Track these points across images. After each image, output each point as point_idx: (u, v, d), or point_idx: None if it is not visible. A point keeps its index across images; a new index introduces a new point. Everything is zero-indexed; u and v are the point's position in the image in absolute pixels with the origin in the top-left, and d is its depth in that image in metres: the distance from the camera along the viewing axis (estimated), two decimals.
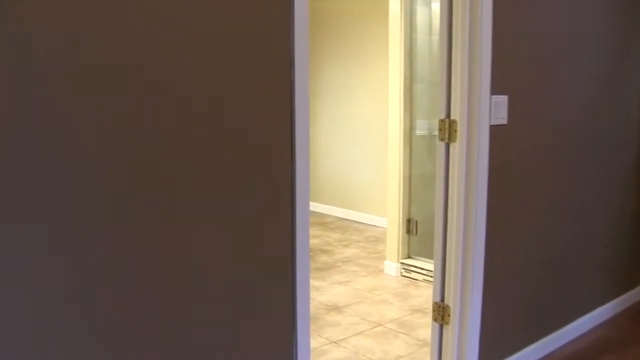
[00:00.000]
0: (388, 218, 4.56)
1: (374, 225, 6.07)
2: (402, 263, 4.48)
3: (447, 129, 2.49)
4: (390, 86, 4.48)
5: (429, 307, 3.79)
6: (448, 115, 2.48)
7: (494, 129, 2.51)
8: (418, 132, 4.54)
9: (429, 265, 4.31)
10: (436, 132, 2.62)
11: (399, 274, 4.49)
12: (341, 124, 6.43)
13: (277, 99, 1.82)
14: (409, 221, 4.48)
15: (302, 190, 1.93)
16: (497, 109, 2.51)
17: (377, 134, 5.87)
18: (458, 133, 2.45)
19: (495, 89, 2.48)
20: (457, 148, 2.47)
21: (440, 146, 2.55)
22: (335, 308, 3.79)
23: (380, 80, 5.88)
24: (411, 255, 4.52)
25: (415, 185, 4.48)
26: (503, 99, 2.53)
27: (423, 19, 4.49)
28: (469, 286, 2.52)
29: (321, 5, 6.44)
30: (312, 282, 4.39)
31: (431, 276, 4.20)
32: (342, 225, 6.13)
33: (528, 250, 2.87)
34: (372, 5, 5.86)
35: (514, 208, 2.74)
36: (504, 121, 2.55)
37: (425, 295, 4.04)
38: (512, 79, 2.59)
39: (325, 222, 6.27)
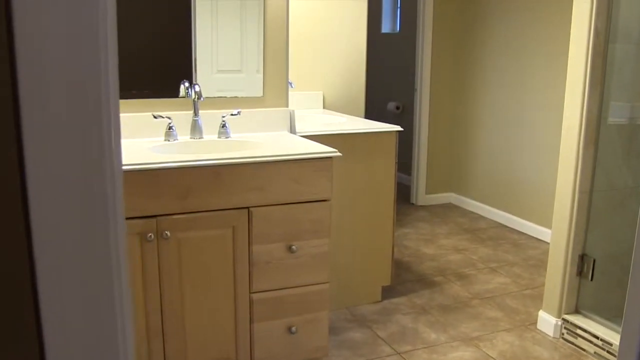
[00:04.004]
0: (551, 249, 3.01)
1: (538, 240, 4.46)
2: (565, 320, 2.93)
3: None
4: (572, 48, 2.89)
5: None
6: None
7: None
8: (611, 120, 2.91)
9: (607, 332, 2.73)
10: None
11: (558, 335, 2.96)
12: (506, 106, 4.83)
13: None
14: (582, 258, 2.91)
15: None
16: None
17: (553, 121, 4.21)
18: None
19: None
20: None
21: None
22: None
23: (562, 44, 4.19)
24: (581, 310, 2.95)
25: (598, 205, 2.89)
26: None
27: None
28: None
29: None
30: (426, 333, 3.01)
31: (609, 351, 2.63)
32: (497, 234, 4.60)
33: None
34: None
35: None
36: None
37: None
38: None
39: (476, 227, 4.76)
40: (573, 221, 2.87)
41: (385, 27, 6.42)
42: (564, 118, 2.91)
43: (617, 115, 2.93)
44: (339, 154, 2.35)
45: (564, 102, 2.94)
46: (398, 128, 3.10)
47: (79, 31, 0.68)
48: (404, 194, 5.45)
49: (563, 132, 2.91)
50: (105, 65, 0.71)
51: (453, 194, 5.47)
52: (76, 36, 0.68)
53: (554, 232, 2.97)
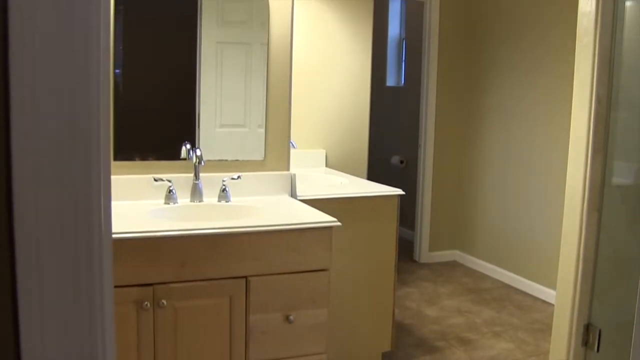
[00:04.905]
0: (555, 319, 2.95)
1: (544, 302, 4.39)
2: None
3: None
4: (574, 115, 2.90)
5: None
6: None
7: None
8: (616, 181, 2.89)
9: None
10: None
11: None
12: (511, 163, 4.82)
13: None
14: (587, 328, 2.84)
15: None
16: None
17: (559, 180, 4.20)
18: None
19: None
20: None
21: None
22: None
23: (567, 104, 4.21)
24: None
25: (603, 272, 2.84)
26: None
27: (637, 12, 2.87)
28: None
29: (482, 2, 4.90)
30: None
31: None
32: (501, 295, 4.53)
33: None
34: None
35: None
36: None
37: None
38: None
39: (481, 288, 4.69)
40: (577, 289, 2.82)
41: (390, 81, 6.48)
42: (566, 185, 2.90)
43: (621, 175, 2.91)
44: (338, 223, 2.33)
45: (563, 164, 2.92)
46: (399, 192, 3.08)
47: (72, 100, 0.69)
48: (407, 251, 5.40)
49: (566, 199, 2.89)
50: (97, 148, 0.71)
51: (457, 252, 5.42)
52: (69, 106, 0.69)
53: (558, 301, 2.92)
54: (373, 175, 4.29)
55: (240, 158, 2.77)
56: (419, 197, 5.34)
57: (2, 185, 0.65)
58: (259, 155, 2.79)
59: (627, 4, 2.86)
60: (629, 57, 2.82)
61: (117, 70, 2.58)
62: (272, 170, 2.80)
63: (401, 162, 5.97)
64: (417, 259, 5.36)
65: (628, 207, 2.96)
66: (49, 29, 0.66)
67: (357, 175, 3.91)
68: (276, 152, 2.82)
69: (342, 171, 3.89)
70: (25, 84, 0.65)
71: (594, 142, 2.79)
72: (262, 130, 2.81)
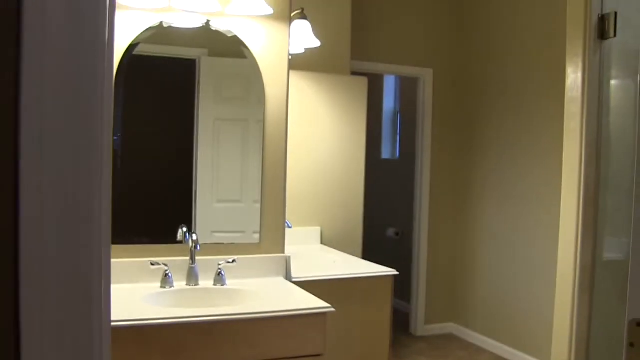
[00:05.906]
0: None
1: None
2: None
3: None
4: (564, 198, 2.96)
5: None
6: None
7: None
8: (607, 257, 2.93)
9: None
10: None
11: None
12: (506, 236, 4.86)
13: None
14: None
15: None
16: None
17: (555, 253, 4.24)
18: None
19: None
20: None
21: None
22: None
23: (559, 175, 4.29)
24: None
25: (597, 349, 2.85)
26: None
27: (622, 96, 2.97)
28: None
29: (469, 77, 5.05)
30: None
31: None
32: None
33: None
34: (540, 78, 4.33)
35: None
36: None
37: None
38: None
39: None
40: None
41: (385, 153, 6.59)
42: (558, 266, 2.94)
43: (612, 251, 2.95)
44: (332, 309, 2.35)
45: (555, 244, 2.96)
46: (393, 272, 3.11)
47: (75, 189, 0.73)
48: (402, 323, 5.37)
49: (558, 280, 2.93)
50: (99, 235, 0.75)
51: (454, 325, 5.39)
52: (72, 199, 0.73)
53: None
54: (369, 247, 4.32)
55: (236, 241, 2.80)
56: (414, 270, 5.35)
57: (8, 279, 0.69)
58: (254, 238, 2.83)
59: (612, 82, 2.97)
60: (617, 136, 2.90)
61: (115, 138, 2.62)
62: (268, 253, 2.84)
63: (397, 234, 6.01)
64: (413, 332, 5.33)
65: (619, 282, 2.99)
66: (57, 111, 0.71)
67: (353, 249, 3.95)
68: (272, 234, 2.86)
69: (337, 246, 3.92)
70: (32, 173, 0.70)
71: (584, 224, 2.84)
72: (258, 206, 2.85)
